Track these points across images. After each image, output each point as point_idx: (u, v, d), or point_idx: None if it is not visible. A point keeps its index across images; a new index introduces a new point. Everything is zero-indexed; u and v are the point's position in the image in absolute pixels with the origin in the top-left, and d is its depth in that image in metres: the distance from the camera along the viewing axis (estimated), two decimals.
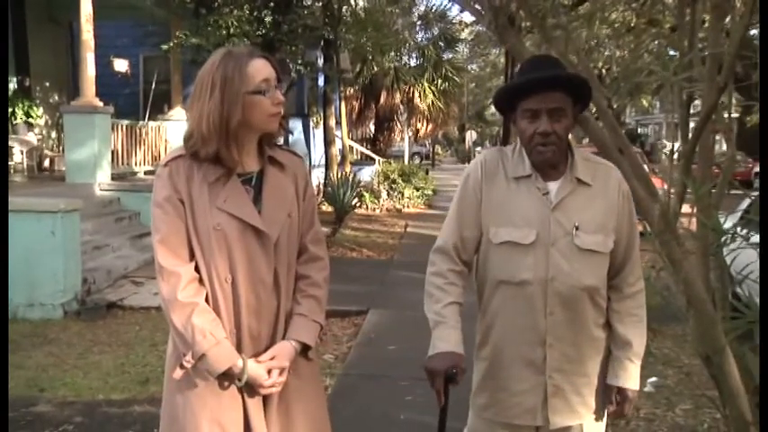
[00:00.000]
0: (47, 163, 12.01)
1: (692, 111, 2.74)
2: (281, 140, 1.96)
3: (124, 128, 10.66)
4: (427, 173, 20.15)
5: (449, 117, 27.21)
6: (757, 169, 12.50)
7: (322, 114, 16.42)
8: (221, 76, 1.75)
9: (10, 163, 10.89)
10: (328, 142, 15.81)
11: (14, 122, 11.10)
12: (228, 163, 1.79)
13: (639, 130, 41.36)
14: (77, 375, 4.57)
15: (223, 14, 10.15)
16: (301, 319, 1.85)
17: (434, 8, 21.99)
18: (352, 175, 13.84)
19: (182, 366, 1.73)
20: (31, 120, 11.36)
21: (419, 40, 23.96)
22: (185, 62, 11.42)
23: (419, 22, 23.15)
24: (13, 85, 11.64)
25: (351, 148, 19.11)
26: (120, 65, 13.29)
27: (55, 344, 5.29)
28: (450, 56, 25.30)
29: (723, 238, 2.45)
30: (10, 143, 10.91)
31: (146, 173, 11.07)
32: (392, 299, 6.90)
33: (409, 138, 26.80)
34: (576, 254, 1.90)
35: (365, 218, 13.89)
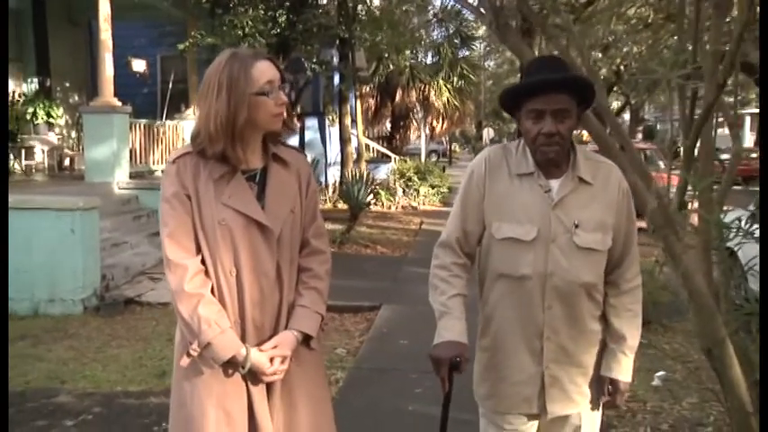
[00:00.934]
0: (67, 162, 12.22)
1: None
2: (295, 139, 2.03)
3: (142, 127, 10.82)
4: (444, 170, 20.18)
5: (465, 115, 27.19)
6: None
7: (338, 112, 16.50)
8: (227, 77, 1.83)
9: (31, 162, 11.13)
10: (344, 140, 15.88)
11: (36, 122, 11.32)
12: (233, 161, 1.87)
13: (659, 126, 40.99)
14: (96, 368, 4.70)
15: (238, 14, 10.27)
16: (303, 310, 1.94)
17: (449, 5, 21.91)
18: (367, 173, 13.92)
19: (188, 354, 1.82)
20: (51, 120, 11.57)
21: (434, 37, 23.97)
22: (201, 62, 11.56)
23: (434, 20, 23.14)
24: (34, 86, 11.88)
25: (366, 146, 19.18)
26: (138, 65, 13.49)
27: (75, 338, 5.43)
28: (467, 53, 25.31)
29: (725, 233, 2.49)
30: (31, 142, 11.14)
31: (163, 171, 11.22)
32: (405, 295, 6.97)
33: (426, 136, 26.81)
34: (575, 251, 1.96)
35: (380, 215, 13.96)
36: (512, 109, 2.05)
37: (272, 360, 1.86)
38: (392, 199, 15.68)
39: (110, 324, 5.85)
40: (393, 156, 19.93)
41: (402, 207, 15.59)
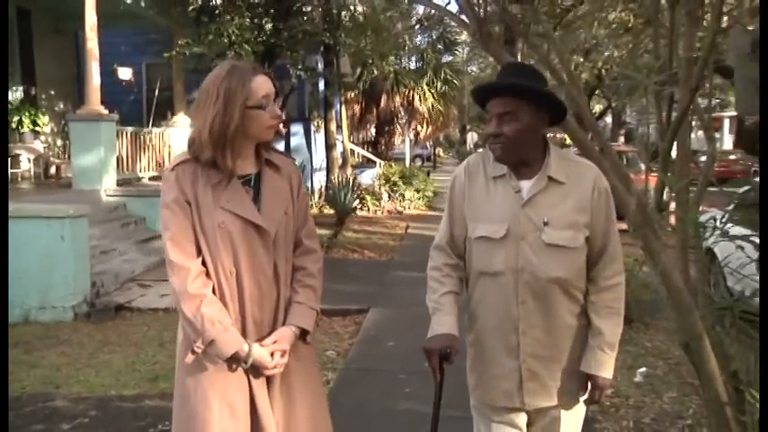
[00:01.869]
0: (53, 170, 12.19)
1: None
2: (281, 144, 2.15)
3: (129, 135, 10.86)
4: (428, 175, 20.31)
5: (449, 119, 27.34)
6: (756, 167, 12.63)
7: (323, 118, 16.58)
8: (225, 89, 1.94)
9: (17, 170, 11.10)
10: (329, 146, 15.96)
11: (21, 131, 11.29)
12: (223, 169, 1.97)
13: (640, 129, 41.41)
14: (90, 373, 4.76)
15: (224, 22, 10.32)
16: (299, 307, 2.05)
17: (432, 12, 22.05)
18: (353, 178, 14.01)
19: (193, 352, 1.92)
20: (37, 128, 11.55)
21: (418, 43, 24.12)
22: (187, 70, 11.60)
23: (418, 26, 23.30)
24: (19, 94, 11.84)
25: (352, 151, 19.26)
26: (124, 73, 13.49)
27: (67, 344, 5.48)
28: (450, 59, 25.49)
29: (701, 233, 2.61)
30: (17, 151, 11.11)
31: (150, 178, 11.25)
32: (392, 298, 7.08)
33: (410, 140, 26.94)
34: (544, 248, 2.06)
35: (366, 220, 14.06)
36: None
37: (272, 354, 1.97)
38: (378, 203, 15.79)
39: (101, 330, 5.90)
40: (378, 161, 20.04)
41: (388, 211, 15.69)
